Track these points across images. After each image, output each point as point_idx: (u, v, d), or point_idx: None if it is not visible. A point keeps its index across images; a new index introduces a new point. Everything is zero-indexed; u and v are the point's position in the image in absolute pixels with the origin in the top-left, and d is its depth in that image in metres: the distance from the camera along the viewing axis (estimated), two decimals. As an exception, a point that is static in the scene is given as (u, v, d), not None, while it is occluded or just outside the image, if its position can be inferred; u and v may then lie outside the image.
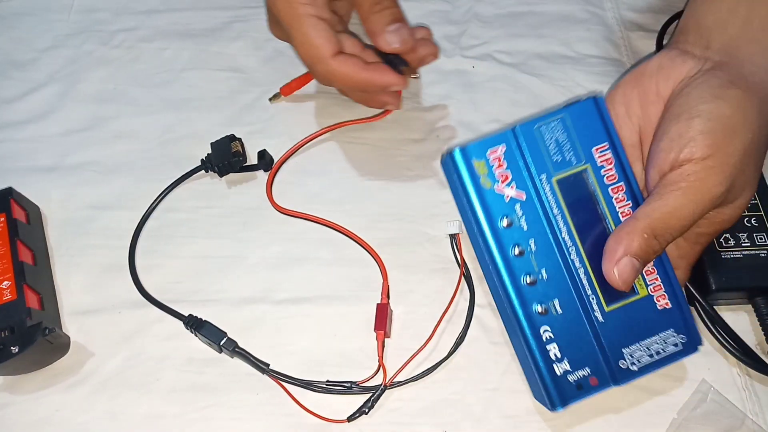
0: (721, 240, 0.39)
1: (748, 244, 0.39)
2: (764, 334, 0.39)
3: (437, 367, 0.39)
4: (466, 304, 0.41)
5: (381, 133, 0.48)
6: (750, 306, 0.40)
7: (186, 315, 0.41)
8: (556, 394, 0.33)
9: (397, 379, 0.38)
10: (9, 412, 0.39)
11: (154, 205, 0.45)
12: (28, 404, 0.39)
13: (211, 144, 0.46)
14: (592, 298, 0.33)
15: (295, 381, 0.38)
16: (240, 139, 0.46)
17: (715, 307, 0.39)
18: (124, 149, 0.48)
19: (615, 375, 0.33)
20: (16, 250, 0.40)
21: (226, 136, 0.46)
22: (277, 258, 0.43)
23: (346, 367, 0.39)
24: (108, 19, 0.54)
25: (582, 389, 0.33)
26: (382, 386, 0.38)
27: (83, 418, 0.38)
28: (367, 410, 0.37)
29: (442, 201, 0.45)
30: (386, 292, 0.41)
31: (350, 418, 0.37)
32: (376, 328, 0.39)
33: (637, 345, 0.33)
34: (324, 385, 0.38)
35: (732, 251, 0.39)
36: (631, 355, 0.33)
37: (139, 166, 0.47)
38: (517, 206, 0.33)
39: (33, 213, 0.44)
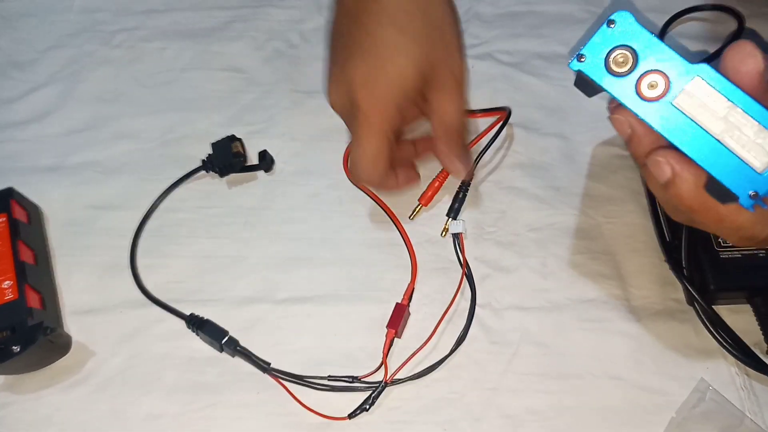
0: (720, 240, 0.40)
1: (747, 244, 0.40)
2: (762, 334, 0.39)
3: (438, 366, 0.39)
4: (467, 304, 0.41)
5: (381, 133, 0.48)
6: (749, 306, 0.40)
7: (187, 314, 0.41)
8: None
9: (397, 377, 0.38)
10: (10, 411, 0.39)
11: (155, 204, 0.45)
12: (29, 403, 0.39)
13: (212, 144, 0.46)
14: None
15: (296, 377, 0.39)
16: (240, 140, 0.46)
17: (713, 306, 0.39)
18: (125, 149, 0.48)
19: None
20: (17, 250, 0.40)
21: (227, 137, 0.46)
22: (278, 258, 0.43)
23: (346, 366, 0.39)
24: (108, 19, 0.54)
25: None
26: (383, 383, 0.38)
27: (84, 418, 0.38)
28: (368, 407, 0.38)
29: (442, 201, 0.45)
30: (409, 294, 0.41)
31: (351, 415, 0.38)
32: (389, 325, 0.39)
33: None
34: (326, 380, 0.38)
35: (731, 251, 0.39)
36: None
37: (140, 166, 0.47)
38: None
39: (34, 213, 0.44)
